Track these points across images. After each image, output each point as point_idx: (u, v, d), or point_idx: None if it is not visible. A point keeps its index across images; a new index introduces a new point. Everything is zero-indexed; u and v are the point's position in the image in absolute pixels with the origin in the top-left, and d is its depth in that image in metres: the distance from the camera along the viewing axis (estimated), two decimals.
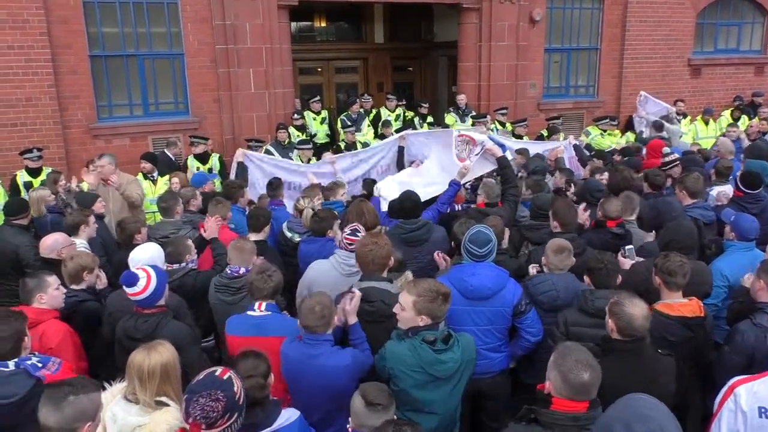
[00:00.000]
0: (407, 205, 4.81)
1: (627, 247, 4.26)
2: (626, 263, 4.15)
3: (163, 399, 2.63)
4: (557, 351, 2.46)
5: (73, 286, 3.92)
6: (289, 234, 5.10)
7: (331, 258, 4.09)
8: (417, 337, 2.97)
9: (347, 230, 4.12)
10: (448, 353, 2.96)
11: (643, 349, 2.93)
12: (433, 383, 2.98)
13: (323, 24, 13.64)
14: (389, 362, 3.03)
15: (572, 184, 6.17)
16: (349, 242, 4.00)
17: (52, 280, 3.62)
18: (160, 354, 2.67)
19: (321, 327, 3.06)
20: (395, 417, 2.64)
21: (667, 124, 9.73)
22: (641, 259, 4.16)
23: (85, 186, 6.62)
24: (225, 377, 2.37)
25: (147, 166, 7.29)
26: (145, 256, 4.00)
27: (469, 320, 3.55)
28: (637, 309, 2.88)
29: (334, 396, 3.05)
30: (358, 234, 4.02)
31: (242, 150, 7.06)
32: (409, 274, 3.92)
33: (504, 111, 10.67)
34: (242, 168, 6.71)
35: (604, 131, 10.39)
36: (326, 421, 3.11)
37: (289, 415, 2.67)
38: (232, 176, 6.75)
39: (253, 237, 4.62)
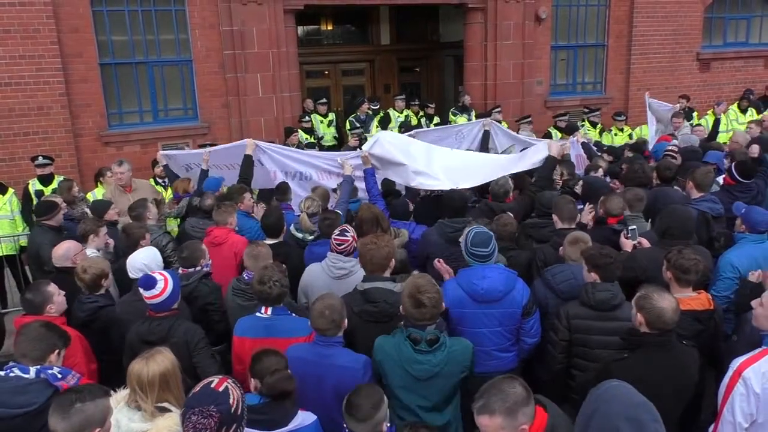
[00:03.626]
0: (457, 204, 4.75)
1: (630, 227, 4.25)
2: (628, 244, 4.18)
3: (166, 405, 2.63)
4: None
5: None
6: (300, 235, 5.11)
7: (323, 261, 4.01)
8: (405, 332, 3.02)
9: (336, 231, 3.98)
10: (427, 356, 2.97)
11: (670, 342, 2.95)
12: (412, 382, 3.00)
13: (329, 27, 13.69)
14: (378, 355, 3.08)
15: (572, 176, 6.13)
16: (338, 242, 3.90)
17: (53, 288, 3.70)
18: (158, 363, 2.67)
19: (331, 330, 3.06)
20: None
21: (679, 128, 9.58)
22: (645, 241, 4.16)
23: (99, 193, 6.72)
24: (221, 389, 2.28)
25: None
26: (142, 259, 4.05)
27: (480, 323, 3.55)
28: (666, 302, 2.89)
29: (342, 398, 3.01)
30: (347, 234, 3.91)
31: (252, 140, 6.45)
32: (416, 274, 3.90)
33: (498, 109, 10.58)
34: (248, 163, 6.24)
35: (593, 124, 10.25)
36: (331, 427, 3.03)
37: (304, 417, 2.67)
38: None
39: (270, 241, 4.63)
